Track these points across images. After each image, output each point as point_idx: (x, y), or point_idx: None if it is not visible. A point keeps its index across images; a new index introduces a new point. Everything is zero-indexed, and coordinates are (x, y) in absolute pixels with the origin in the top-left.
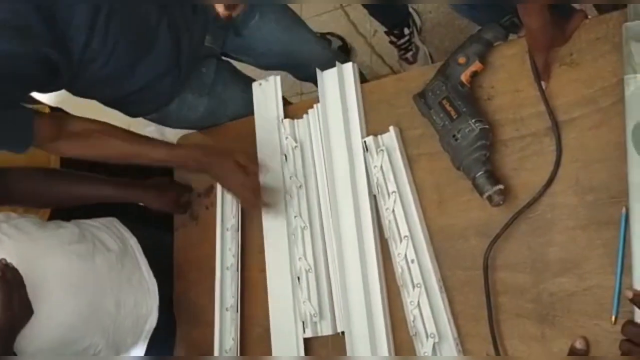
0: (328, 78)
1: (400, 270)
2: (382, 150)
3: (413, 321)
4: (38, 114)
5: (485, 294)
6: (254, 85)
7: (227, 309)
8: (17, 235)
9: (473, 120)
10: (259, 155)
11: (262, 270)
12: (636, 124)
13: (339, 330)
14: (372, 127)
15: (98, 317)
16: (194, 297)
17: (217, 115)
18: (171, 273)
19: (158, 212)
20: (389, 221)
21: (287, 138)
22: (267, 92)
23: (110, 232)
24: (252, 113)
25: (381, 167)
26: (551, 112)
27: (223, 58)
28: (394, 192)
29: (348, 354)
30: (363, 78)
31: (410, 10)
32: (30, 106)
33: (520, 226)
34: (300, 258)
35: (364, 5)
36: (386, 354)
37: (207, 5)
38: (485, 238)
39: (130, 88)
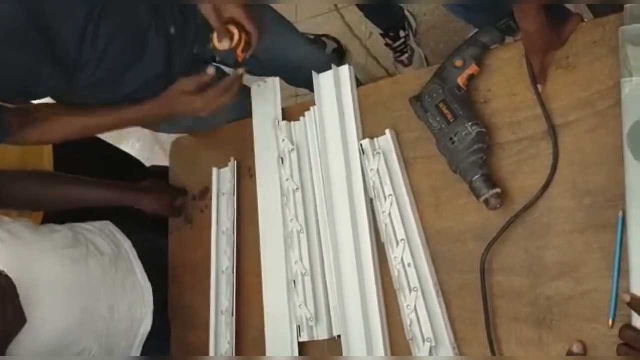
0: (324, 81)
1: (396, 274)
2: (378, 153)
3: (410, 325)
4: (3, 106)
5: (483, 298)
6: (253, 86)
7: (222, 313)
8: (10, 239)
9: (470, 124)
10: (257, 156)
11: (258, 273)
12: (631, 127)
13: (335, 334)
14: (369, 130)
15: (92, 321)
16: (189, 301)
17: (208, 120)
18: (166, 277)
19: (153, 215)
20: (386, 225)
21: (283, 141)
22: (266, 93)
23: (104, 236)
24: (245, 117)
25: (378, 170)
26: (548, 116)
27: (214, 64)
28: (390, 195)
29: None
30: (358, 83)
31: (406, 13)
32: None
33: (517, 230)
34: (296, 262)
35: (360, 8)
36: None
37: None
38: (482, 242)
39: (120, 94)
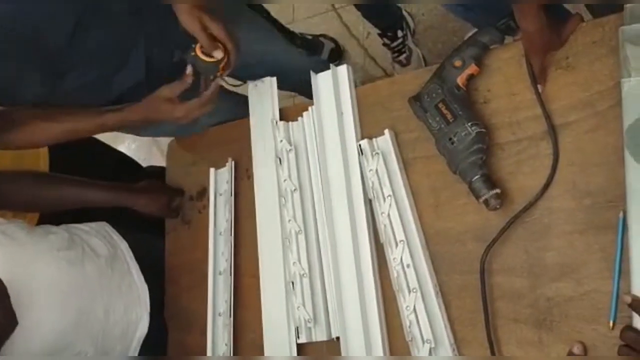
0: (322, 81)
1: (396, 275)
2: (377, 153)
3: (409, 326)
4: None
5: (482, 299)
6: (250, 86)
7: (219, 315)
8: (4, 240)
9: (469, 124)
10: (254, 157)
11: (256, 275)
12: (630, 126)
13: (334, 335)
14: (367, 130)
15: (87, 323)
16: (185, 303)
17: (190, 126)
18: (163, 278)
19: (149, 216)
20: (385, 225)
21: (281, 141)
22: (263, 93)
23: (100, 237)
24: (228, 119)
25: (376, 170)
26: (547, 116)
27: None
28: (389, 196)
29: None
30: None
31: (404, 13)
32: None
33: (517, 230)
34: (294, 263)
35: (358, 8)
36: None
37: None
38: (482, 242)
39: (103, 100)
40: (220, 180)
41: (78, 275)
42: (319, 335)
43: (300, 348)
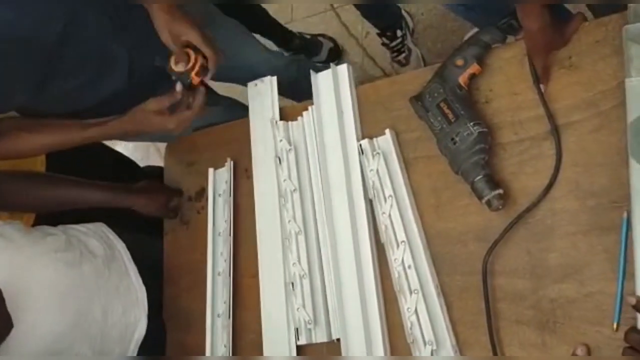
0: (322, 80)
1: (397, 276)
2: (378, 153)
3: (410, 328)
4: None
5: (485, 300)
6: (249, 85)
7: (218, 316)
8: (1, 242)
9: (471, 124)
10: (253, 157)
11: (255, 275)
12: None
13: (334, 337)
14: (368, 130)
15: (85, 325)
16: (184, 303)
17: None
18: (161, 279)
19: (147, 216)
20: (386, 226)
21: (281, 141)
22: (263, 92)
23: (98, 238)
24: (213, 123)
25: (377, 170)
26: (550, 116)
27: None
28: (390, 196)
29: None
30: None
31: (403, 12)
32: None
33: (519, 231)
34: (294, 263)
35: (357, 7)
36: None
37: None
38: (484, 243)
39: (84, 106)
40: (219, 181)
41: (75, 277)
42: (319, 337)
43: (300, 349)
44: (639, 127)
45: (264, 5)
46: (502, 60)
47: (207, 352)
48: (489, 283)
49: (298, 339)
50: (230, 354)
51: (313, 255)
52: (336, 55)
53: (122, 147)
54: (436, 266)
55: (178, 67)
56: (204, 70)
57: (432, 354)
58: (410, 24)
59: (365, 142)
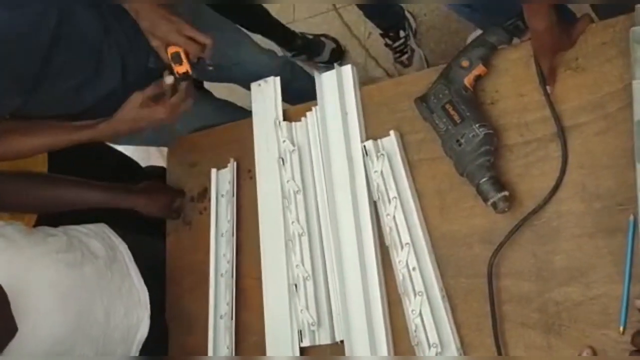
0: (327, 81)
1: (401, 278)
2: (382, 154)
3: (415, 330)
4: None
5: (490, 303)
6: (253, 86)
7: (221, 317)
8: (2, 243)
9: (477, 125)
10: (256, 157)
11: (258, 277)
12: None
13: (338, 339)
14: (372, 131)
15: (87, 327)
16: (187, 304)
17: (168, 134)
18: (163, 280)
19: (150, 217)
20: (390, 228)
21: (284, 141)
22: (266, 93)
23: (99, 239)
24: (208, 124)
25: (381, 172)
26: (557, 117)
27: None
28: (394, 197)
29: None
30: None
31: (406, 13)
32: None
33: (525, 233)
34: (297, 265)
35: (360, 8)
36: None
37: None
38: (489, 245)
39: (77, 109)
40: (222, 181)
41: (77, 278)
42: (323, 339)
43: (304, 351)
44: None
45: (265, 5)
46: (508, 62)
47: (210, 353)
48: (494, 285)
49: (301, 340)
50: (233, 356)
51: (317, 257)
52: (339, 56)
53: (123, 146)
54: (441, 268)
55: (180, 69)
56: (200, 60)
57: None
58: (413, 25)
59: (369, 144)
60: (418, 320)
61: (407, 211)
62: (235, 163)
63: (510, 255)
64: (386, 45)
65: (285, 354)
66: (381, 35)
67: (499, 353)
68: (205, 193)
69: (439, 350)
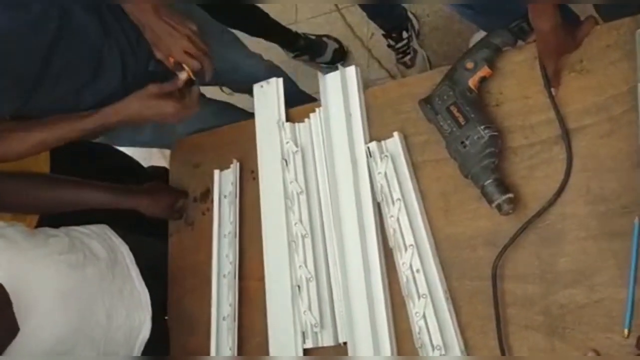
0: (330, 82)
1: (405, 280)
2: (386, 156)
3: (418, 332)
4: None
5: (494, 305)
6: (255, 87)
7: (223, 318)
8: (3, 244)
9: (482, 127)
10: (259, 158)
11: (261, 278)
12: None
13: (341, 340)
14: (376, 132)
15: (88, 329)
16: (189, 305)
17: (166, 136)
18: (164, 281)
19: (152, 218)
20: (394, 229)
21: (287, 142)
22: (269, 94)
23: (101, 240)
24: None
25: (385, 173)
26: (561, 120)
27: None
28: (398, 199)
29: None
30: None
31: (408, 14)
32: None
33: (529, 236)
34: (300, 266)
35: (363, 8)
36: None
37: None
38: (493, 248)
39: (78, 111)
40: (224, 182)
41: (79, 279)
42: (326, 340)
43: (307, 353)
44: None
45: (264, 8)
46: (513, 64)
47: (212, 355)
48: (498, 288)
49: (304, 342)
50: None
51: (320, 258)
52: (341, 56)
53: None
54: (445, 270)
55: (183, 77)
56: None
57: None
58: (416, 26)
59: (373, 145)
60: (422, 322)
61: (411, 213)
62: (238, 164)
63: (515, 257)
64: (389, 46)
65: (288, 355)
66: (384, 36)
67: (503, 355)
68: (207, 194)
69: (443, 352)
